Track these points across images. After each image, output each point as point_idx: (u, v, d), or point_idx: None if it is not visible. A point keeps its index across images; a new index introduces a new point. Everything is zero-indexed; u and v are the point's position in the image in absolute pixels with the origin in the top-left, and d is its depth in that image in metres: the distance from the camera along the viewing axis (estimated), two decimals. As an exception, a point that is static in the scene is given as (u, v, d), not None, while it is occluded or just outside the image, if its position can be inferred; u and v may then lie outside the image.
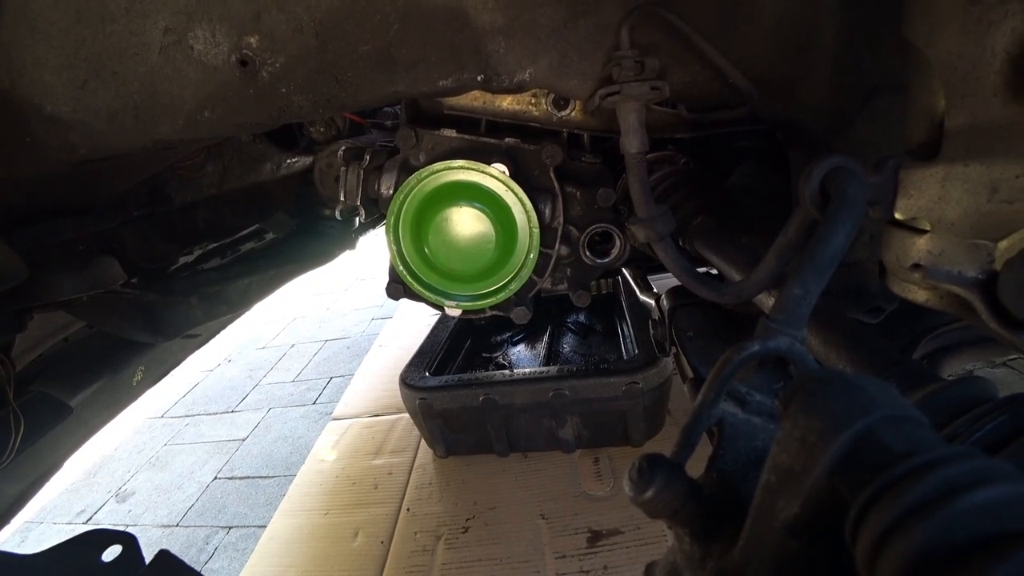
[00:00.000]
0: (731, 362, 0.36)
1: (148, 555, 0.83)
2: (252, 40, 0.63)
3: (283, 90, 0.66)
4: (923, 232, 0.44)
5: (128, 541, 0.81)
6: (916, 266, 0.45)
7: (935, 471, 0.18)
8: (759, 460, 0.36)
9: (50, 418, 1.04)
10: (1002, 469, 0.17)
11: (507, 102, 0.83)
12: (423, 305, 0.95)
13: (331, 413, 2.03)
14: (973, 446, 0.27)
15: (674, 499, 0.31)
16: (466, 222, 0.85)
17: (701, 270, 0.70)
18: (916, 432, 0.21)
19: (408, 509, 1.46)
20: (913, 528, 0.17)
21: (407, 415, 1.65)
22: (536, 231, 0.84)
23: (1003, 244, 0.39)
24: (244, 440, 2.53)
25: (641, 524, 1.26)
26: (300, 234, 1.55)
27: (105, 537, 0.82)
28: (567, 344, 1.88)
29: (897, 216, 0.46)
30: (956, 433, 0.36)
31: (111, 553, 0.81)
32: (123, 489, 2.33)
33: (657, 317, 1.05)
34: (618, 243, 0.90)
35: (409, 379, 1.54)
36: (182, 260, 1.27)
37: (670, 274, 0.71)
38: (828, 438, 0.21)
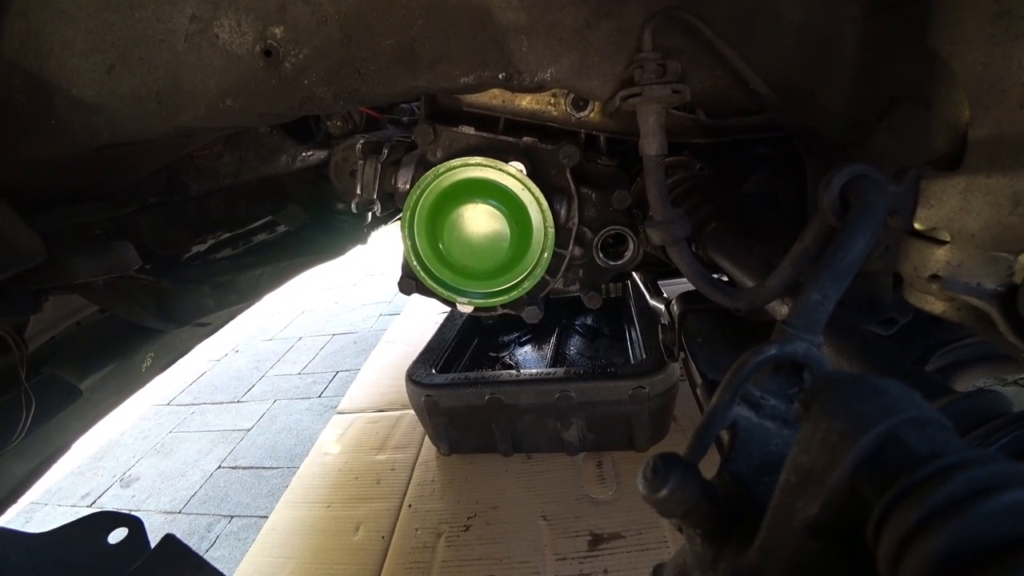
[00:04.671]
0: (747, 364, 0.36)
1: (151, 541, 0.83)
2: (277, 31, 0.63)
3: (305, 81, 0.66)
4: (943, 243, 0.44)
5: (134, 524, 0.82)
6: (934, 277, 0.44)
7: (961, 473, 0.18)
8: (772, 465, 0.36)
9: (60, 400, 1.05)
10: (1029, 473, 0.17)
11: (526, 101, 0.83)
12: (432, 302, 0.96)
13: (336, 407, 2.04)
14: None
15: (688, 499, 0.31)
16: (481, 219, 0.85)
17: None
18: (940, 435, 0.21)
19: (410, 505, 1.46)
20: (938, 530, 0.17)
21: (412, 411, 1.65)
22: (551, 231, 0.84)
23: (1024, 257, 0.39)
24: (249, 430, 2.55)
25: (643, 529, 1.26)
26: (312, 227, 1.55)
27: (112, 519, 0.82)
28: (574, 346, 1.88)
29: (917, 226, 0.46)
30: (972, 445, 0.36)
31: (117, 536, 0.82)
32: (128, 474, 2.35)
33: (667, 322, 1.05)
34: (631, 246, 0.90)
35: (416, 376, 1.54)
36: (195, 249, 1.28)
37: (680, 280, 0.71)
38: (851, 438, 0.21)
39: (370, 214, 1.63)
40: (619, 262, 0.91)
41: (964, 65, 0.42)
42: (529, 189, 0.83)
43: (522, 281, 0.89)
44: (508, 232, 0.85)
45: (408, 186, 0.86)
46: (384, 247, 2.13)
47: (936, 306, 0.47)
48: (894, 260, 0.51)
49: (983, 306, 0.42)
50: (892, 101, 0.65)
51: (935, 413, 0.22)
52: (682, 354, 0.95)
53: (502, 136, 0.85)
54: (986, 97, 0.40)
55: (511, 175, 0.82)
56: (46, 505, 2.20)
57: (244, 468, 2.27)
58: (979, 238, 0.41)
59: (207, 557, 1.80)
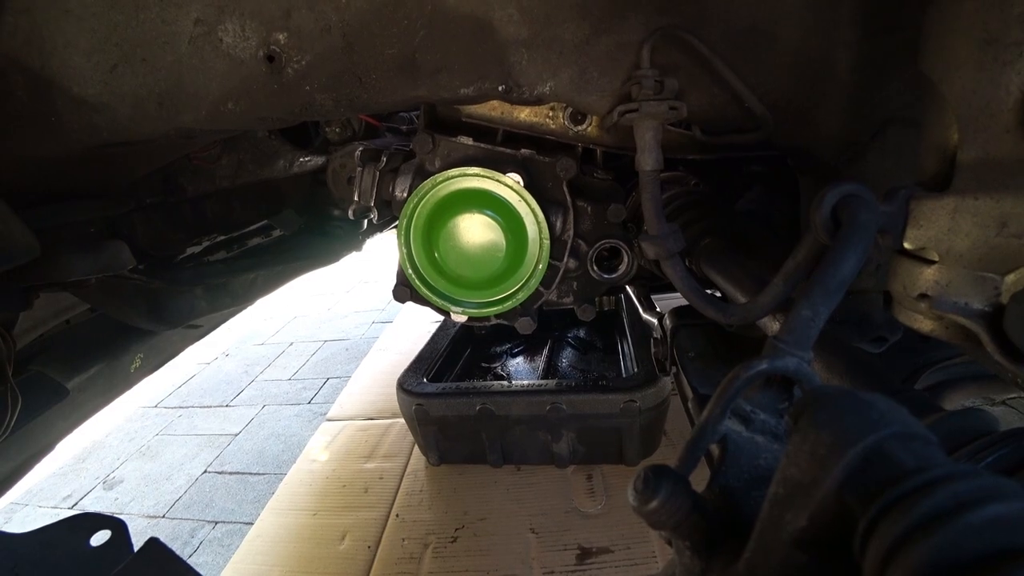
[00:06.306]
0: (739, 379, 0.36)
1: (134, 545, 0.82)
2: (280, 37, 0.64)
3: (307, 88, 0.67)
4: (931, 263, 0.44)
5: (117, 527, 0.81)
6: (923, 296, 0.45)
7: (945, 486, 0.18)
8: (762, 479, 0.36)
9: (46, 399, 1.04)
10: (1011, 487, 0.18)
11: (524, 114, 0.84)
12: (426, 311, 0.96)
13: (325, 414, 2.02)
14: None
15: (678, 511, 0.31)
16: (477, 229, 0.86)
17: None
18: (925, 449, 0.21)
19: (397, 515, 1.45)
20: (922, 542, 0.17)
21: (402, 420, 1.64)
22: (547, 242, 0.85)
23: (1010, 278, 0.40)
24: (236, 435, 2.52)
25: (631, 543, 1.25)
26: (307, 233, 1.55)
27: (95, 521, 0.81)
28: (566, 359, 1.88)
29: (906, 245, 0.47)
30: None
31: (99, 538, 0.81)
32: (111, 476, 2.32)
33: (659, 336, 1.05)
34: (626, 259, 0.90)
35: (407, 384, 1.54)
36: (189, 250, 1.27)
37: (673, 294, 0.71)
38: (839, 452, 0.21)
39: (366, 221, 1.63)
40: (613, 275, 0.92)
41: (953, 89, 0.43)
42: (526, 201, 0.83)
43: (516, 292, 0.89)
44: (504, 243, 0.86)
45: (405, 194, 0.86)
46: (378, 254, 2.13)
47: (925, 325, 0.48)
48: (884, 278, 0.51)
49: (970, 325, 0.42)
50: (884, 123, 0.66)
51: (922, 428, 0.22)
52: (674, 368, 0.96)
53: (500, 147, 0.85)
54: (974, 121, 0.41)
55: (508, 186, 0.83)
56: (27, 506, 2.17)
57: (230, 473, 2.24)
58: (967, 258, 0.42)
59: (190, 563, 1.77)
